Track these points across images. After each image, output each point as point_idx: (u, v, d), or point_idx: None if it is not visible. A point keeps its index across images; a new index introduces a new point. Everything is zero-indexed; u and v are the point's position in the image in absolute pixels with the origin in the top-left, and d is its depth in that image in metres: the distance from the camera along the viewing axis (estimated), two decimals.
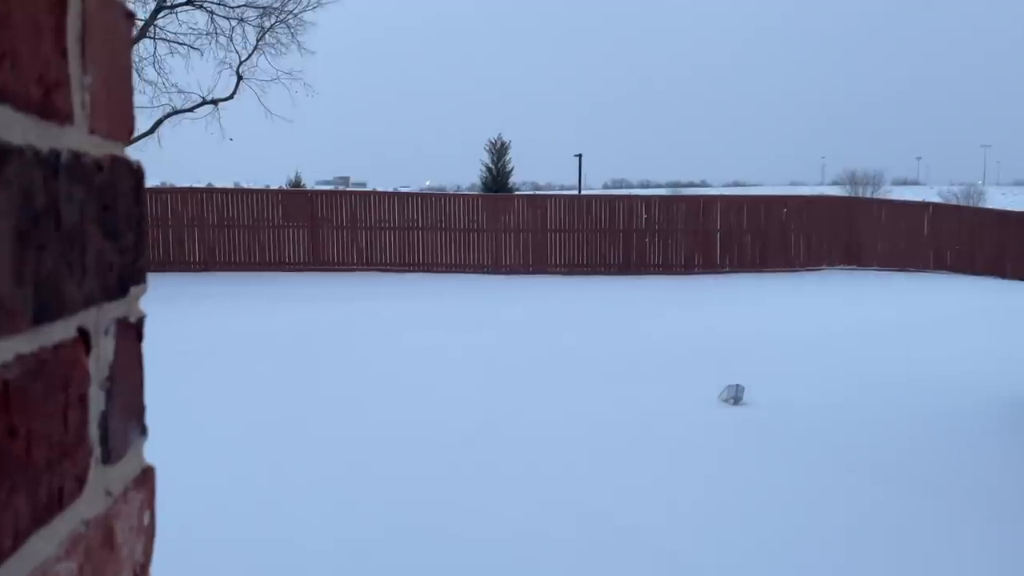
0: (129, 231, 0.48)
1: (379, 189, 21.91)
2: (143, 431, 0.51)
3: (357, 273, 17.56)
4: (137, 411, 0.50)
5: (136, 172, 0.50)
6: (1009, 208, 25.62)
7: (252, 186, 22.89)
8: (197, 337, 9.86)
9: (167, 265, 17.26)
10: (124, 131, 0.48)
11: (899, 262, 19.31)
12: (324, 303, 13.17)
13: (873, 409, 6.71)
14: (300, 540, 4.08)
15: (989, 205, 40.66)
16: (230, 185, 36.27)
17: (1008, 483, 5.03)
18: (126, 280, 0.48)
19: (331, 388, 7.38)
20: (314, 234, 17.87)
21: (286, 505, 4.55)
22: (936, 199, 41.89)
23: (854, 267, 19.17)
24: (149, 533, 0.51)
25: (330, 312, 12.19)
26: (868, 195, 50.20)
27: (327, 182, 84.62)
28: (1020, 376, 7.46)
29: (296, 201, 18.31)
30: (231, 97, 19.34)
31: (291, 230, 17.82)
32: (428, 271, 18.03)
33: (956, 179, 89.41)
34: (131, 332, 0.49)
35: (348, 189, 28.34)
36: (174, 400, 6.80)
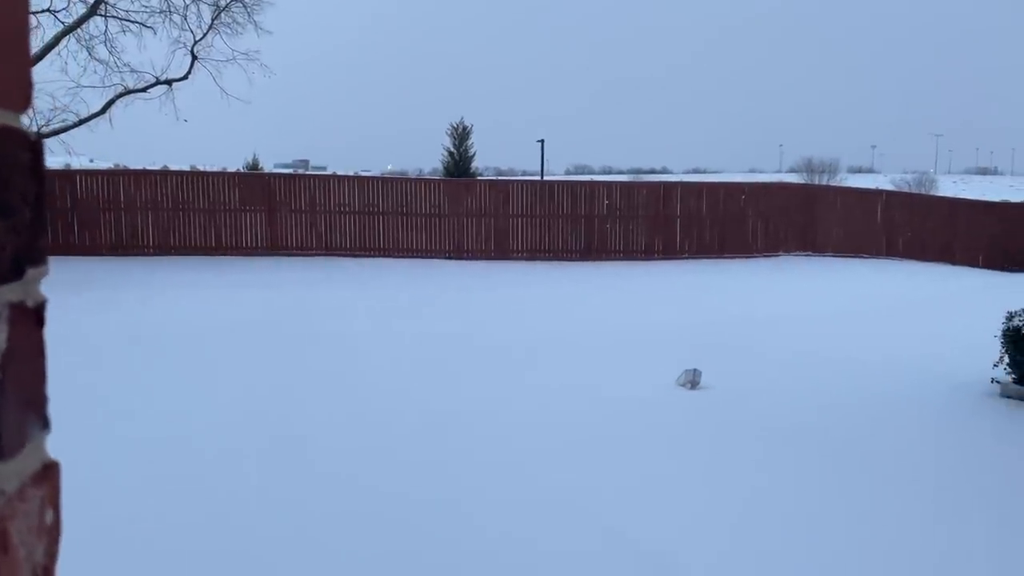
0: (25, 208, 0.45)
1: (339, 173, 21.60)
2: (45, 424, 0.47)
3: (316, 258, 17.35)
4: (37, 403, 0.46)
5: (33, 145, 0.46)
6: (959, 196, 26.28)
7: (208, 169, 22.48)
8: (150, 324, 9.65)
9: (120, 249, 16.87)
10: (19, 100, 0.44)
11: (853, 248, 19.67)
12: (283, 289, 12.99)
13: (825, 390, 6.83)
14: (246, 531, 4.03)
15: (940, 193, 41.64)
16: (186, 168, 35.62)
17: (950, 460, 5.17)
18: (22, 261, 0.44)
19: (288, 376, 7.29)
20: (272, 218, 17.59)
21: (230, 495, 4.48)
22: (889, 187, 42.77)
23: (810, 253, 19.49)
24: (53, 533, 0.48)
25: (288, 298, 12.02)
26: (824, 182, 51.01)
27: (286, 165, 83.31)
28: (968, 359, 7.65)
29: (254, 184, 17.99)
30: (186, 77, 18.84)
31: (248, 214, 17.52)
32: (389, 256, 17.88)
33: (909, 167, 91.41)
34: (29, 317, 0.45)
35: (307, 172, 27.93)
36: (118, 392, 6.66)
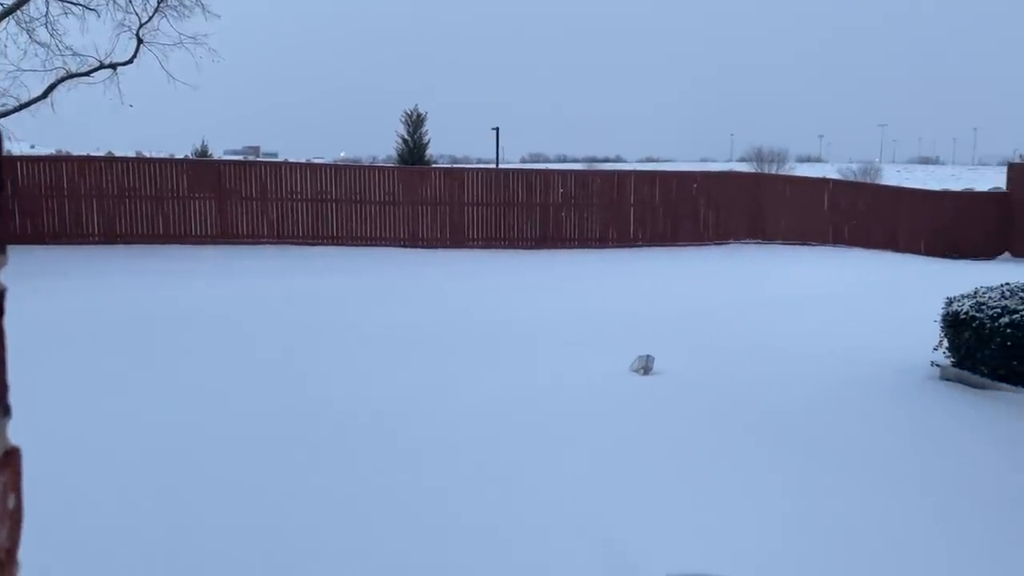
0: None
1: (291, 160, 21.28)
2: (5, 411, 0.48)
3: (268, 246, 17.11)
4: None
5: None
6: (903, 185, 27.02)
7: (155, 155, 21.91)
8: (89, 315, 9.43)
9: (63, 238, 16.41)
10: None
11: (801, 236, 20.10)
12: (231, 278, 12.79)
13: (773, 375, 6.99)
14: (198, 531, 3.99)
15: (885, 182, 42.74)
16: (131, 154, 34.69)
17: (891, 442, 5.35)
18: None
19: (242, 368, 7.20)
20: (222, 206, 17.28)
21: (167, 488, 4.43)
22: (836, 176, 43.74)
23: (759, 240, 19.86)
24: (15, 517, 0.49)
25: (237, 287, 11.85)
26: (773, 171, 51.96)
27: (236, 152, 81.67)
28: (910, 344, 7.90)
29: (202, 171, 17.63)
30: (131, 61, 18.34)
31: (197, 201, 17.18)
32: (342, 244, 17.72)
33: (855, 157, 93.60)
34: None
35: (258, 159, 27.47)
36: (59, 385, 6.52)
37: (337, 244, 17.69)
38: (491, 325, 9.17)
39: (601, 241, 19.03)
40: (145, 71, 18.70)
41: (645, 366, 7.05)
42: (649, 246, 19.05)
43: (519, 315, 9.91)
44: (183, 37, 18.35)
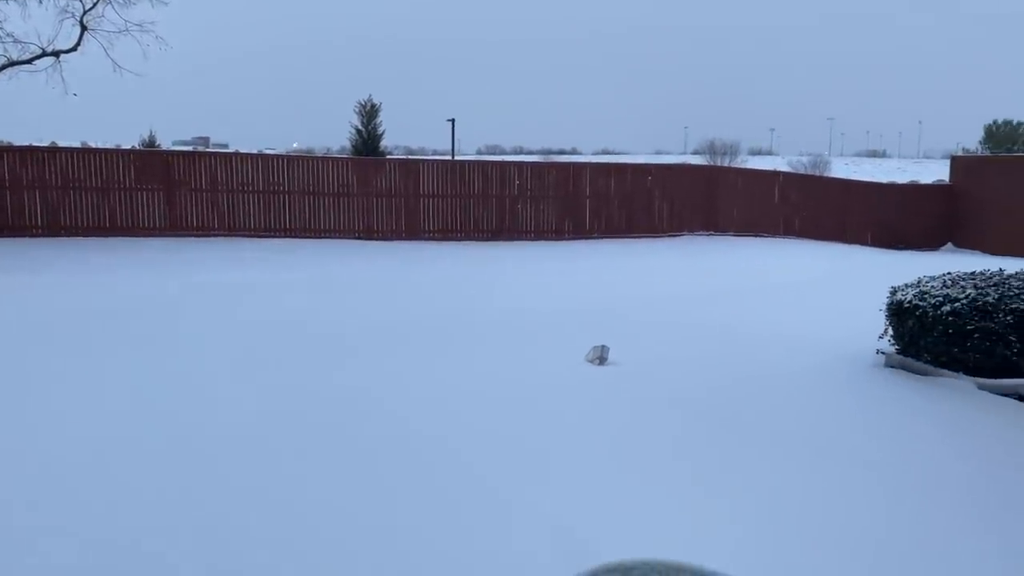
0: None
1: (242, 151, 20.92)
2: None
3: (218, 238, 16.80)
4: None
5: None
6: (851, 177, 27.64)
7: (101, 146, 21.32)
8: (28, 310, 9.17)
9: (5, 230, 15.89)
10: None
11: (753, 227, 20.44)
12: (178, 270, 12.53)
13: (726, 364, 7.11)
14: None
15: (834, 174, 43.65)
16: (76, 144, 33.72)
17: (834, 425, 5.48)
18: None
19: (191, 363, 7.06)
20: (171, 197, 16.91)
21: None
22: (787, 168, 44.57)
23: (712, 232, 20.14)
24: None
25: (184, 280, 11.62)
26: (726, 164, 52.69)
27: (185, 142, 79.97)
28: (857, 332, 8.09)
29: (150, 162, 17.22)
30: (74, 49, 17.81)
31: (145, 193, 16.78)
32: (296, 236, 17.49)
33: (805, 150, 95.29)
34: None
35: (208, 150, 26.93)
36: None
37: (290, 236, 17.46)
38: (443, 318, 9.14)
39: (557, 233, 19.10)
40: (90, 59, 18.20)
41: (600, 356, 7.11)
42: (605, 238, 19.19)
43: (474, 307, 9.90)
44: (129, 24, 17.89)
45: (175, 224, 16.94)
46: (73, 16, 17.47)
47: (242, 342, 7.66)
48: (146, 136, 39.88)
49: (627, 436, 5.22)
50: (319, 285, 11.50)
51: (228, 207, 17.23)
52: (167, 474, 4.44)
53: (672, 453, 4.96)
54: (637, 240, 18.95)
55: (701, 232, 20.07)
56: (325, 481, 4.39)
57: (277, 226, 17.49)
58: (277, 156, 18.79)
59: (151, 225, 16.80)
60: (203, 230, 17.05)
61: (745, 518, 4.05)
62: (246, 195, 17.33)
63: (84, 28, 17.62)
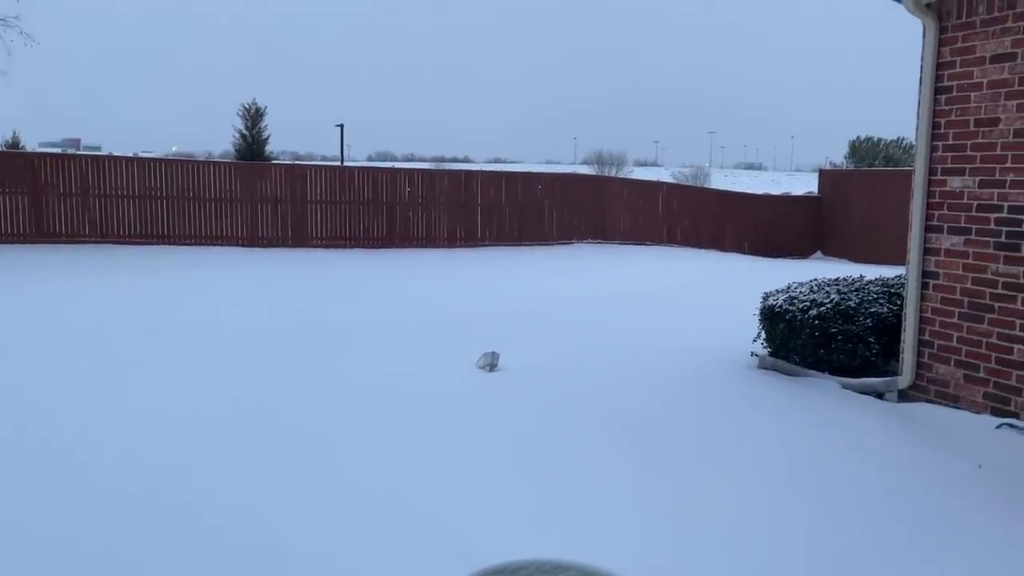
0: None
1: (116, 154, 19.89)
2: None
3: (89, 245, 15.90)
4: None
5: None
6: (729, 188, 29.00)
7: None
8: None
9: None
10: None
11: (638, 236, 21.11)
12: (44, 279, 11.78)
13: (609, 368, 7.30)
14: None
15: (713, 185, 45.64)
16: None
17: (705, 424, 5.74)
18: None
19: (58, 377, 6.65)
20: (36, 202, 15.87)
21: None
22: (670, 179, 46.27)
23: (600, 240, 20.66)
24: None
25: (48, 288, 10.93)
26: (613, 174, 54.15)
27: (53, 144, 75.22)
28: (733, 336, 8.48)
29: (13, 164, 16.09)
30: None
31: (7, 197, 15.68)
32: (174, 243, 16.76)
33: (687, 161, 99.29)
34: None
35: (79, 152, 25.44)
36: None
37: (168, 243, 16.72)
38: (330, 325, 8.98)
39: (449, 240, 19.11)
40: None
41: (491, 363, 7.15)
42: (496, 245, 19.34)
43: (362, 315, 9.77)
44: None
45: (41, 231, 15.91)
46: None
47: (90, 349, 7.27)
48: (9, 137, 37.51)
49: (511, 442, 5.28)
50: (192, 293, 11.06)
51: (100, 212, 16.33)
52: None
53: (548, 454, 5.05)
54: (528, 248, 19.20)
55: (590, 240, 20.54)
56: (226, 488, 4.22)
57: (154, 232, 16.71)
58: (154, 160, 17.94)
59: (14, 232, 15.71)
60: (73, 237, 16.09)
61: (606, 511, 4.17)
62: (120, 200, 16.48)
63: None
